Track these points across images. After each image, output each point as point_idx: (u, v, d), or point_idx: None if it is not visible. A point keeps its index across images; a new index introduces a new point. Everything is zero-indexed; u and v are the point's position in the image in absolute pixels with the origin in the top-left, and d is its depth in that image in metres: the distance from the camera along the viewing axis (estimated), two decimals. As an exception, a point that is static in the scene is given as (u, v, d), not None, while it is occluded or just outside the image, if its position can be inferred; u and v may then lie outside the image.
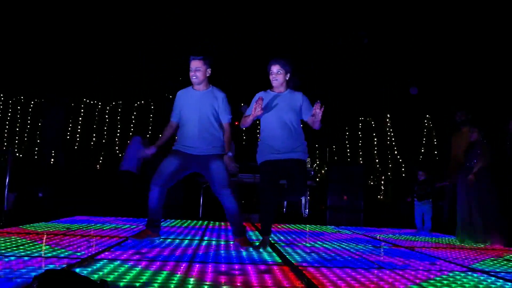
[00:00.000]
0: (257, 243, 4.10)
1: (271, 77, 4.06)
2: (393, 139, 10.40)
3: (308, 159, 8.90)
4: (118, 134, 10.23)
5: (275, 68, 4.03)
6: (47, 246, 3.52)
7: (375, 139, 10.49)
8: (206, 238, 4.72)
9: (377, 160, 10.39)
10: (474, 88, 8.82)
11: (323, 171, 10.25)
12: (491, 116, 7.56)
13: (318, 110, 3.77)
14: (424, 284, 2.65)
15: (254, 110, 3.86)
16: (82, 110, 10.23)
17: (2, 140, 9.93)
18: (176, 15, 8.73)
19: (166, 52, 9.34)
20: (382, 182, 10.27)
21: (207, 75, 4.08)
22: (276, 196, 3.96)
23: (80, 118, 10.20)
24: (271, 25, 8.96)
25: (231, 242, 4.27)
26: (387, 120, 10.48)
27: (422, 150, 10.19)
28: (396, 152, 10.32)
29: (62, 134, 9.97)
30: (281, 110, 3.98)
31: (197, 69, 4.00)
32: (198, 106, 4.04)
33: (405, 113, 10.28)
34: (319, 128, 3.94)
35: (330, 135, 10.51)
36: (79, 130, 10.14)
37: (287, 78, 4.07)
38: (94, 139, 10.14)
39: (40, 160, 9.76)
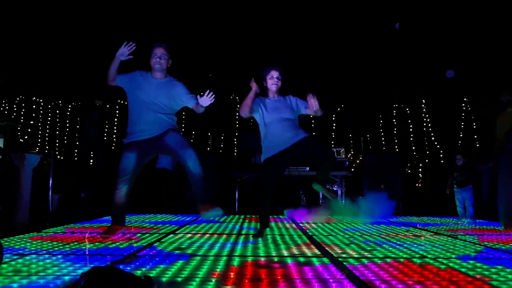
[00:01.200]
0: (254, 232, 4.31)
1: (271, 81, 4.19)
2: (429, 125, 10.09)
3: (343, 149, 8.79)
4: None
5: (275, 74, 4.20)
6: (91, 245, 3.63)
7: (411, 126, 10.22)
8: (243, 232, 4.75)
9: (413, 148, 10.13)
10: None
11: (358, 161, 10.08)
12: None
13: (312, 100, 3.94)
14: (471, 273, 2.56)
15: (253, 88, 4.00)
16: (117, 112, 10.48)
17: (44, 143, 10.31)
18: (176, 15, 8.70)
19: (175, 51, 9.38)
20: (420, 169, 10.01)
21: (168, 65, 4.14)
22: (273, 192, 4.10)
23: (116, 119, 10.45)
24: (277, 23, 8.80)
25: (268, 236, 4.29)
26: (423, 106, 10.18)
27: (461, 135, 9.85)
28: (433, 138, 10.02)
29: (99, 135, 10.24)
30: (281, 112, 4.13)
31: (162, 56, 4.07)
32: (154, 94, 4.03)
33: (441, 98, 9.93)
34: (321, 113, 4.06)
35: (364, 124, 10.31)
36: (115, 131, 10.39)
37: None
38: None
39: (80, 162, 10.08)
